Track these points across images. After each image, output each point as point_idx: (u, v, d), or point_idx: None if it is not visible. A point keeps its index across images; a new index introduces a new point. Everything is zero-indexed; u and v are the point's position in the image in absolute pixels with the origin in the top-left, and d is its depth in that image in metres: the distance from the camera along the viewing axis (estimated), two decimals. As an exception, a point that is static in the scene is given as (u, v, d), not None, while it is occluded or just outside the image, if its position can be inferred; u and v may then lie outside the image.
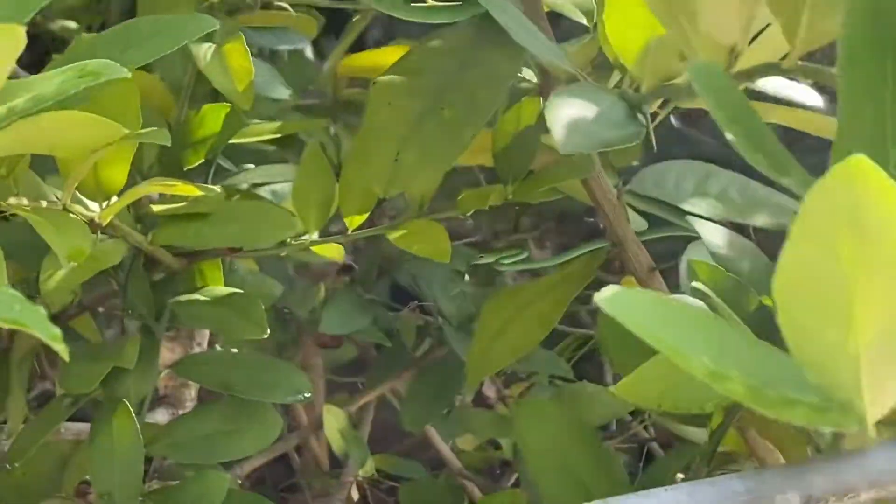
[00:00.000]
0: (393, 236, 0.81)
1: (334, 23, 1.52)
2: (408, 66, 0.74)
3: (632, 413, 1.44)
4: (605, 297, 0.35)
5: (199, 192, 0.72)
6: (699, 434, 1.00)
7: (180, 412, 0.98)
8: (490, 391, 1.48)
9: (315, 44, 1.31)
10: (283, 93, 0.95)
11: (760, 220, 0.82)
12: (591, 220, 1.86)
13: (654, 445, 1.51)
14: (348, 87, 1.25)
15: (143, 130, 0.63)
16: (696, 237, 0.98)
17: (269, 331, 0.78)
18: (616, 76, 0.68)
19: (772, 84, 0.73)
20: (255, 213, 0.76)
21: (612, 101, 0.59)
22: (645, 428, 1.51)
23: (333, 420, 1.38)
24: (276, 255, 0.86)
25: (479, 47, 0.73)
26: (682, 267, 0.89)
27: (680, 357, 0.34)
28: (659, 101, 0.63)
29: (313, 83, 1.23)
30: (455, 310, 1.38)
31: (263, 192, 0.96)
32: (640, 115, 0.60)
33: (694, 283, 0.71)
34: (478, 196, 0.79)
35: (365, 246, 1.59)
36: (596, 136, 0.55)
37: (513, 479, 1.57)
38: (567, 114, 0.56)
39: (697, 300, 0.75)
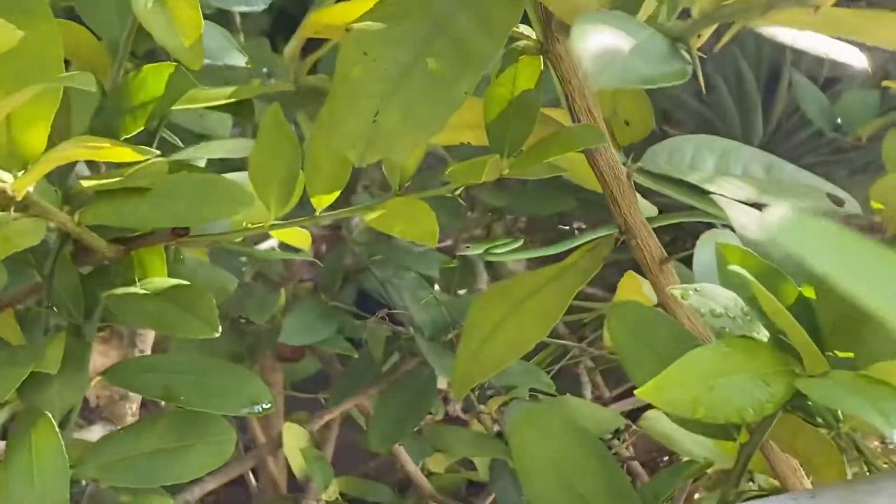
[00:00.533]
0: (370, 217, 0.69)
1: (286, 22, 1.41)
2: (387, 10, 0.62)
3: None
4: (777, 220, 0.23)
5: (137, 156, 0.59)
6: (697, 449, 0.91)
7: (120, 429, 0.85)
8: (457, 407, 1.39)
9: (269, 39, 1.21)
10: (238, 59, 0.82)
11: (791, 203, 0.71)
12: (566, 227, 1.77)
13: (636, 465, 1.44)
14: (310, 73, 1.15)
15: (65, 74, 0.51)
16: (714, 224, 0.87)
17: (220, 330, 0.66)
18: (648, 7, 0.56)
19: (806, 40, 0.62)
20: (205, 188, 0.64)
21: (650, 33, 0.48)
22: (626, 447, 1.42)
23: (294, 439, 1.28)
24: (231, 243, 0.73)
25: (474, -11, 0.62)
26: (697, 258, 0.79)
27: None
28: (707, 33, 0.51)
29: (272, 69, 1.11)
30: (427, 318, 1.29)
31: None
32: (683, 52, 0.48)
33: (732, 267, 0.60)
34: (471, 168, 0.67)
35: (329, 245, 1.48)
36: (635, 71, 0.44)
37: (487, 502, 1.47)
38: (598, 42, 0.44)
39: (729, 291, 0.64)
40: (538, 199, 1.53)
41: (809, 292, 0.65)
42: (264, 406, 0.70)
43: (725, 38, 0.49)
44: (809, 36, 0.59)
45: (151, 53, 0.76)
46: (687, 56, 0.48)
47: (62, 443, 0.65)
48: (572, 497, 0.64)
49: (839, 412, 0.62)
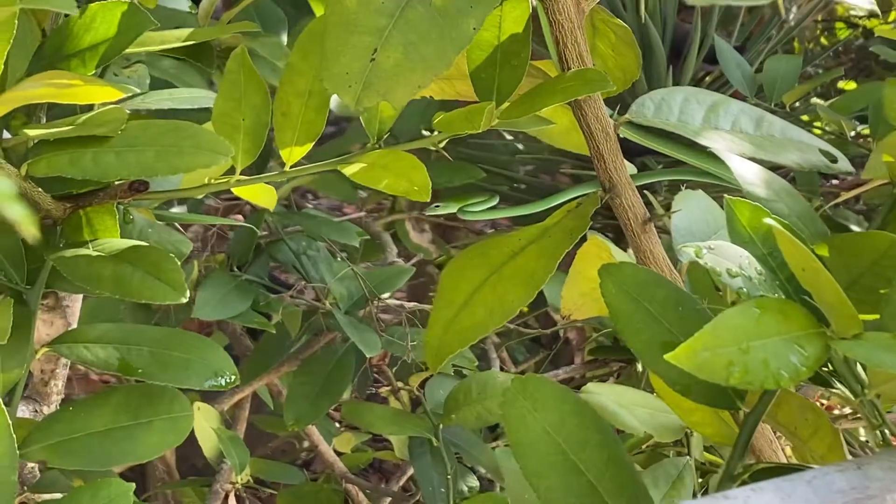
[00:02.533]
0: (349, 171, 0.63)
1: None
2: (381, -62, 0.56)
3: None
4: None
5: (116, 95, 0.52)
6: (638, 424, 0.89)
7: (45, 409, 0.77)
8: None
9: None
10: (181, 2, 0.75)
11: (783, 157, 0.68)
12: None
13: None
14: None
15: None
16: (700, 181, 0.83)
17: (188, 295, 0.60)
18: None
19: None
20: (175, 136, 0.57)
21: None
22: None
23: (205, 419, 1.21)
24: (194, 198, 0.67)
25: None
26: (676, 220, 0.75)
27: None
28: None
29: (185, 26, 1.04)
30: (345, 292, 1.23)
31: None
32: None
33: (767, 220, 0.56)
34: (464, 116, 0.61)
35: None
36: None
37: (403, 481, 1.43)
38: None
39: (741, 249, 0.60)
40: (446, 171, 1.49)
41: (823, 250, 0.61)
42: (229, 378, 0.64)
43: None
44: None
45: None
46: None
47: (9, 422, 0.58)
48: (570, 470, 0.60)
49: (866, 379, 0.58)
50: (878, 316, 0.58)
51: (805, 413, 0.66)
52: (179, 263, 0.61)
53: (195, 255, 1.28)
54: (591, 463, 0.60)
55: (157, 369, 0.63)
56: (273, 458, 1.55)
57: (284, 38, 1.13)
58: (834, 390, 0.60)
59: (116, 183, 0.62)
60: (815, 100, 1.48)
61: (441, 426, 1.17)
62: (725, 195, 0.61)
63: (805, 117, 1.43)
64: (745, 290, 0.58)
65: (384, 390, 1.31)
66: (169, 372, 0.63)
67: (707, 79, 1.59)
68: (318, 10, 1.02)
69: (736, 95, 1.48)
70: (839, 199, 1.24)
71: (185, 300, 0.59)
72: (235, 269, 1.23)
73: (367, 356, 1.17)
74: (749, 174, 0.65)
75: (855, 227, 1.29)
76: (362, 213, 1.52)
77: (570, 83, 0.61)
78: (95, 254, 0.62)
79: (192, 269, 1.20)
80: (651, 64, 1.52)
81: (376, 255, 1.57)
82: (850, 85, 1.79)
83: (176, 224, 1.28)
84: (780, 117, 1.37)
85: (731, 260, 0.59)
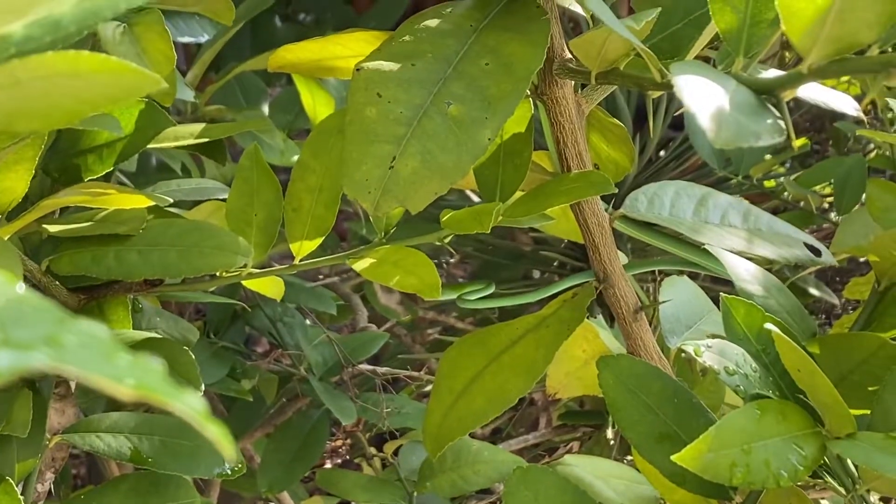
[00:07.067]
0: (359, 267, 0.65)
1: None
2: (398, 50, 0.58)
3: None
4: None
5: (147, 202, 0.54)
6: (616, 497, 0.91)
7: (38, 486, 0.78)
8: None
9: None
10: (187, 94, 0.77)
11: (771, 250, 0.70)
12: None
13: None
14: (210, 103, 1.09)
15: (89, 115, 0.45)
16: (685, 270, 0.86)
17: (203, 389, 0.61)
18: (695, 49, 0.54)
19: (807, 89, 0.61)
20: (196, 237, 0.59)
21: (735, 85, 0.45)
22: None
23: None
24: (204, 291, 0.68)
25: (488, 30, 0.59)
26: (662, 308, 0.77)
27: None
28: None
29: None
30: (320, 359, 1.24)
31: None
32: (769, 105, 0.46)
33: (768, 325, 0.58)
34: (470, 216, 0.63)
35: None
36: (746, 129, 0.42)
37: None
38: (708, 98, 0.42)
39: (737, 347, 0.63)
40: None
41: (814, 348, 0.64)
42: (237, 466, 0.66)
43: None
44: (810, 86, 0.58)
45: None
46: (775, 110, 0.45)
47: (25, 510, 0.59)
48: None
49: (857, 475, 0.61)
50: (864, 411, 0.60)
51: (790, 499, 0.68)
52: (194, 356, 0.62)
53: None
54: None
55: (168, 458, 0.64)
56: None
57: (265, 109, 1.15)
58: (825, 483, 0.62)
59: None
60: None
61: (415, 494, 1.17)
62: (722, 293, 0.64)
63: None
64: (741, 387, 0.60)
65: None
66: (179, 461, 0.64)
67: (670, 145, 1.62)
68: (299, 84, 1.04)
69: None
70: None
71: (200, 392, 0.61)
72: (212, 336, 1.24)
73: (343, 423, 1.18)
74: (742, 271, 0.67)
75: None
76: (335, 278, 1.53)
77: (574, 184, 0.63)
78: (110, 346, 0.63)
79: (172, 336, 1.20)
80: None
81: (346, 317, 1.57)
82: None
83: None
84: (747, 189, 1.41)
85: (729, 357, 0.61)
